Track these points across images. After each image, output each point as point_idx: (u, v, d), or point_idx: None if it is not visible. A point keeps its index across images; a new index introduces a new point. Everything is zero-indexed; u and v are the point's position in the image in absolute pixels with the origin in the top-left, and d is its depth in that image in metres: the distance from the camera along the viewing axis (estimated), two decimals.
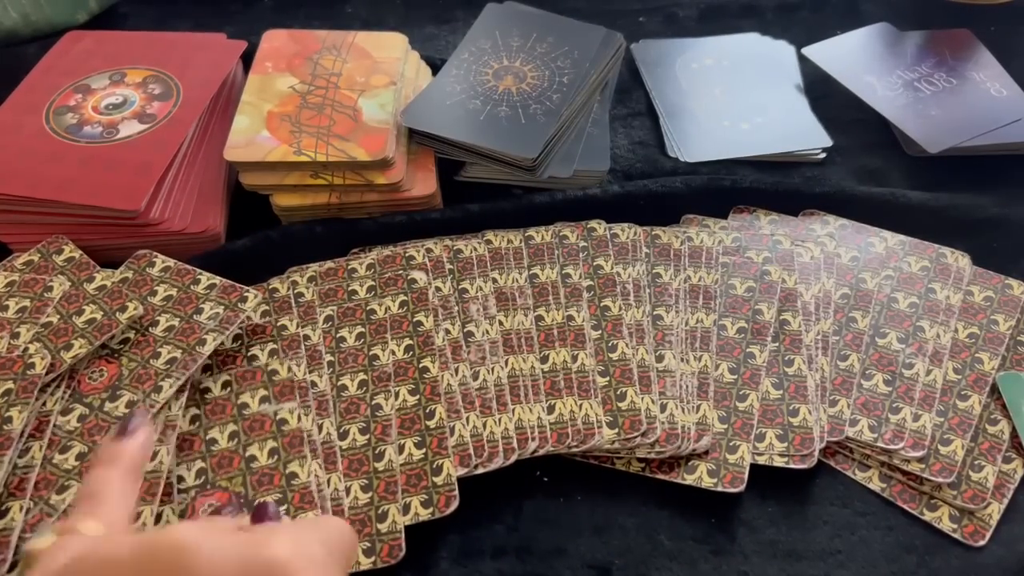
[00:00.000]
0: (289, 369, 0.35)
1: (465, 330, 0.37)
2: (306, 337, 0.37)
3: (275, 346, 0.36)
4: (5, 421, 0.32)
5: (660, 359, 0.36)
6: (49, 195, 0.38)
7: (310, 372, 0.36)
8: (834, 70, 0.49)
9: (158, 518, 0.31)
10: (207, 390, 0.35)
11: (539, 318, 0.38)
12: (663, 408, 0.34)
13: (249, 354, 0.36)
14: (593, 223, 0.41)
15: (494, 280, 0.39)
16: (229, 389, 0.35)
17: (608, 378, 0.35)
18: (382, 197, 0.42)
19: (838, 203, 0.43)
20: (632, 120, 0.49)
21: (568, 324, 0.38)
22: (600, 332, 0.37)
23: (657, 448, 0.33)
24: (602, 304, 0.38)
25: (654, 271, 0.40)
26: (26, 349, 0.34)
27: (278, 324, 0.36)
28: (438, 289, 0.39)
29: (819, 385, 0.36)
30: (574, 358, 0.36)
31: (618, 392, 0.35)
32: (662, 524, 0.33)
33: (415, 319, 0.37)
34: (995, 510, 0.32)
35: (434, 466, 0.33)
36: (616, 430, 0.34)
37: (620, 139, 0.48)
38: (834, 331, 0.38)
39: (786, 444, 0.34)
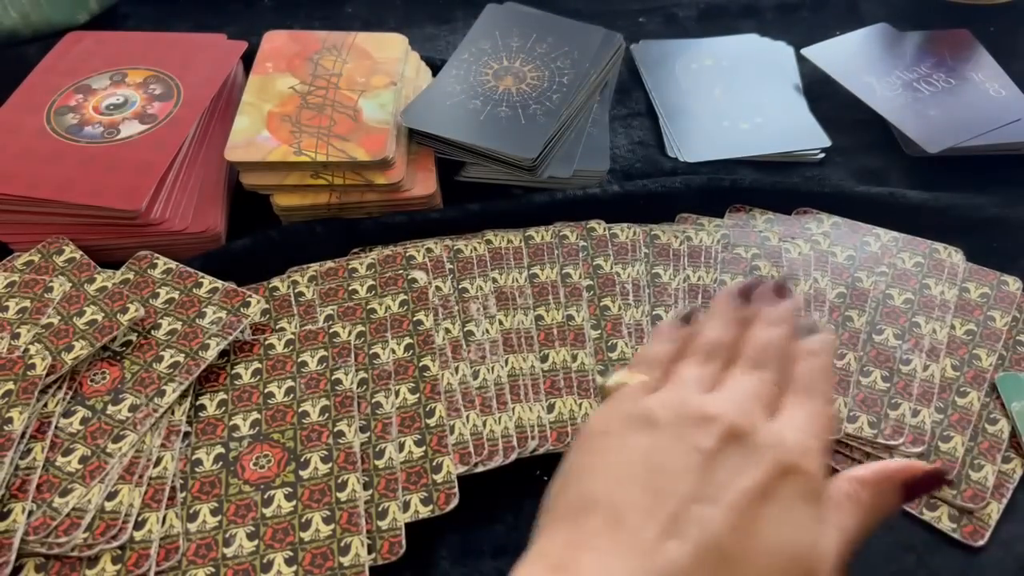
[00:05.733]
0: (287, 393, 0.35)
1: (465, 329, 0.38)
2: (302, 363, 0.37)
3: (259, 365, 0.36)
4: (6, 422, 0.32)
5: None
6: (49, 195, 0.38)
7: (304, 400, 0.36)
8: (833, 71, 0.50)
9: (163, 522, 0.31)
10: (202, 407, 0.34)
11: (539, 317, 0.38)
12: None
13: (233, 372, 0.35)
14: (593, 223, 0.41)
15: (494, 280, 0.39)
16: (224, 409, 0.34)
17: None
18: (382, 197, 0.42)
19: (837, 203, 0.43)
20: (632, 120, 0.49)
21: (568, 324, 0.38)
22: (600, 332, 0.37)
23: None
24: (601, 304, 0.38)
25: (653, 271, 0.40)
26: (26, 350, 0.34)
27: (266, 343, 0.36)
28: (438, 289, 0.39)
29: None
30: (574, 357, 0.37)
31: None
32: None
33: (415, 318, 0.37)
34: (994, 510, 0.33)
35: (434, 464, 0.33)
36: None
37: (620, 139, 0.48)
38: (830, 330, 0.38)
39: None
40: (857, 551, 0.25)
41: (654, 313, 0.38)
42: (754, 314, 0.31)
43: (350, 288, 0.39)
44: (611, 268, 0.39)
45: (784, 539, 0.24)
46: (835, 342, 0.31)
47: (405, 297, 0.38)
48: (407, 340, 0.37)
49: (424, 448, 0.33)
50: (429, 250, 0.40)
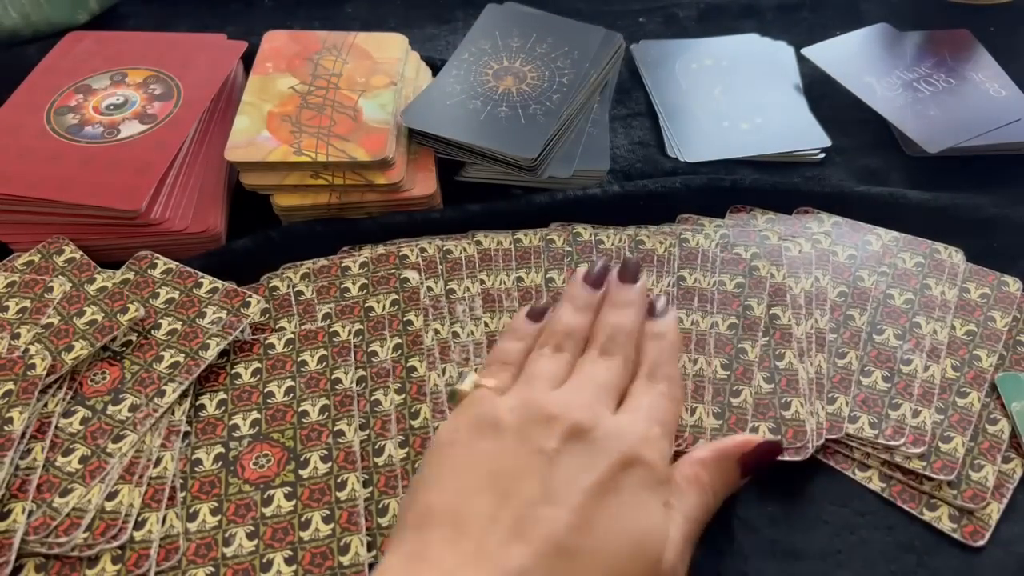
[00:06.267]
0: (287, 392, 0.35)
1: (451, 331, 0.37)
2: (304, 362, 0.37)
3: (259, 365, 0.36)
4: (6, 422, 0.32)
5: None
6: (50, 195, 0.38)
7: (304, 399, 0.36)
8: (834, 71, 0.50)
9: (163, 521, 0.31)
10: (201, 407, 0.34)
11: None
12: None
13: (233, 371, 0.35)
14: (579, 228, 0.41)
15: (481, 281, 0.39)
16: (224, 408, 0.34)
17: None
18: (382, 197, 0.42)
19: (838, 203, 0.43)
20: (632, 120, 0.49)
21: None
22: None
23: None
24: None
25: None
26: (27, 350, 0.34)
27: (266, 342, 0.36)
28: (429, 289, 0.39)
29: (812, 379, 0.36)
30: None
31: None
32: None
33: (405, 318, 0.37)
34: (994, 510, 0.33)
35: (416, 467, 0.33)
36: None
37: (620, 139, 0.48)
38: (831, 328, 0.38)
39: (779, 438, 0.34)
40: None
41: None
42: (605, 298, 0.32)
43: (342, 286, 0.39)
44: None
45: (629, 528, 0.25)
46: (677, 319, 0.33)
47: (396, 296, 0.38)
48: (396, 340, 0.37)
49: (407, 450, 0.33)
50: (423, 250, 0.40)
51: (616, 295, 0.32)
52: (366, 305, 0.38)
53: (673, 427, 0.29)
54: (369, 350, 0.36)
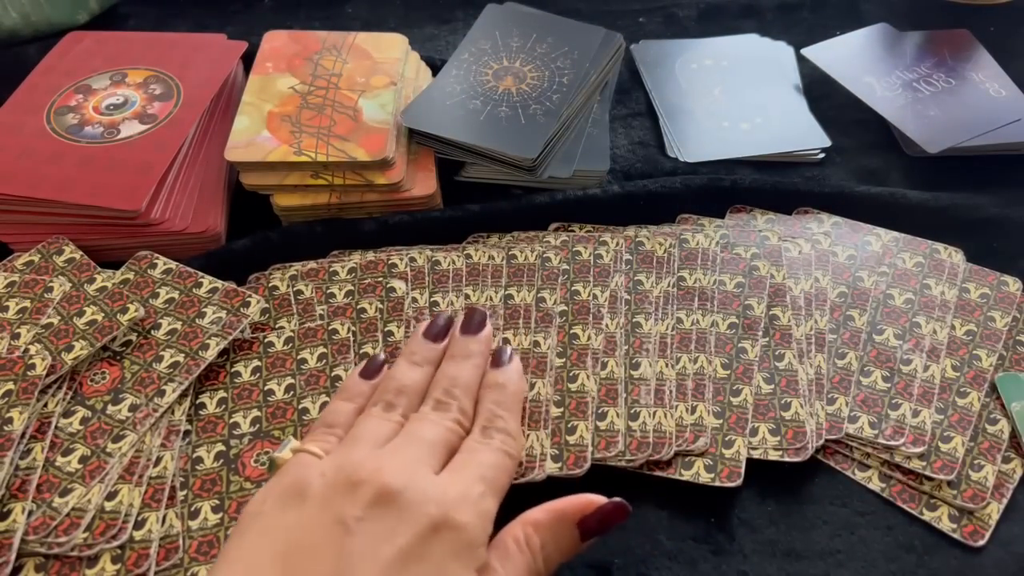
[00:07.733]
0: (287, 390, 0.35)
1: None
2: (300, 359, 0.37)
3: (259, 363, 0.35)
4: (6, 422, 0.32)
5: (636, 367, 0.36)
6: (49, 195, 0.38)
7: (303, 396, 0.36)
8: (833, 71, 0.50)
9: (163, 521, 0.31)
10: (202, 405, 0.34)
11: (505, 341, 0.37)
12: (635, 417, 0.34)
13: (233, 370, 0.35)
14: (579, 247, 0.40)
15: (467, 296, 0.38)
16: (224, 407, 0.34)
17: (563, 409, 0.34)
18: (382, 197, 0.42)
19: (838, 203, 0.43)
20: (632, 120, 0.49)
21: (533, 351, 0.36)
22: (564, 360, 0.36)
23: (627, 457, 0.33)
24: (572, 331, 0.37)
25: (636, 278, 0.39)
26: (26, 350, 0.34)
27: (265, 340, 0.36)
28: (414, 300, 0.38)
29: (812, 380, 0.36)
30: (531, 386, 0.35)
31: (569, 425, 0.34)
32: (661, 524, 0.33)
33: (387, 328, 0.37)
34: (994, 510, 0.33)
35: None
36: (559, 464, 0.33)
37: (620, 139, 0.48)
38: (831, 329, 0.38)
39: (779, 438, 0.34)
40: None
41: (634, 321, 0.38)
42: (446, 350, 0.31)
43: (328, 291, 0.38)
44: (588, 295, 0.38)
45: None
46: (520, 369, 0.32)
47: (381, 306, 0.38)
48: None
49: None
50: (412, 259, 0.40)
51: (455, 347, 0.31)
52: (359, 307, 0.38)
53: (503, 484, 0.28)
54: (361, 352, 0.36)
